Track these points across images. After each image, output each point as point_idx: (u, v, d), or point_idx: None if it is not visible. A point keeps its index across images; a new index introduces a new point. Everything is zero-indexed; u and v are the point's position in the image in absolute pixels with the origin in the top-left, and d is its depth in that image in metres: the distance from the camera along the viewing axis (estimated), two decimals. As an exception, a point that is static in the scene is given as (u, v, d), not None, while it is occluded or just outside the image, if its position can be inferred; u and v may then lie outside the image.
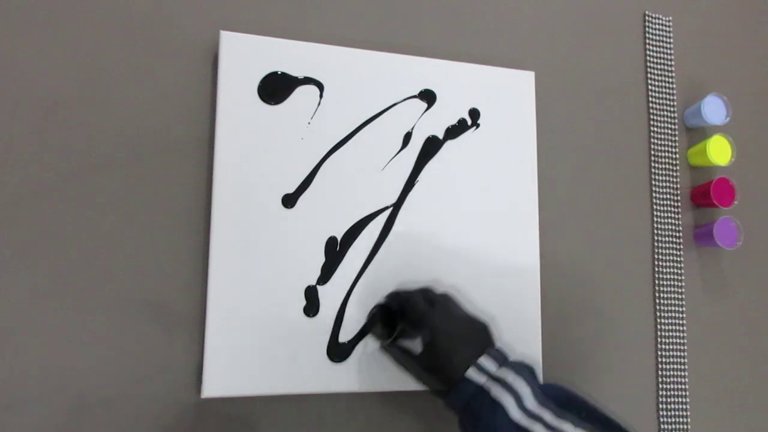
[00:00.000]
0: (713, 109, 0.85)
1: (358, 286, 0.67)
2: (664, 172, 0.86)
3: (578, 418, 0.51)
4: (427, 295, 0.60)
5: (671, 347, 0.82)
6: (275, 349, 0.63)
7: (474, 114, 0.75)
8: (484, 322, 0.59)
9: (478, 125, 0.75)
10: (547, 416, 0.51)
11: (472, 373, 0.54)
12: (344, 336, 0.66)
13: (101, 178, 0.64)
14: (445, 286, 0.65)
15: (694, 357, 0.83)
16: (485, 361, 0.55)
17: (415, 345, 0.56)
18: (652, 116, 0.88)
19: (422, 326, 0.57)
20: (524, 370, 0.55)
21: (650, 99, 0.88)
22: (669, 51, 0.90)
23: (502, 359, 0.56)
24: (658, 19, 0.91)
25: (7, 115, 0.62)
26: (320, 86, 0.69)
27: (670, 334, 0.82)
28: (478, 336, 0.58)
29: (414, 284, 0.63)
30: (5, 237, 0.60)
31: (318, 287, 0.66)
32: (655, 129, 0.87)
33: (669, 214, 0.86)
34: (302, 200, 0.67)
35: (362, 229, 0.68)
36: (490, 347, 0.56)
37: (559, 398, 0.54)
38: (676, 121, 0.89)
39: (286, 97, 0.68)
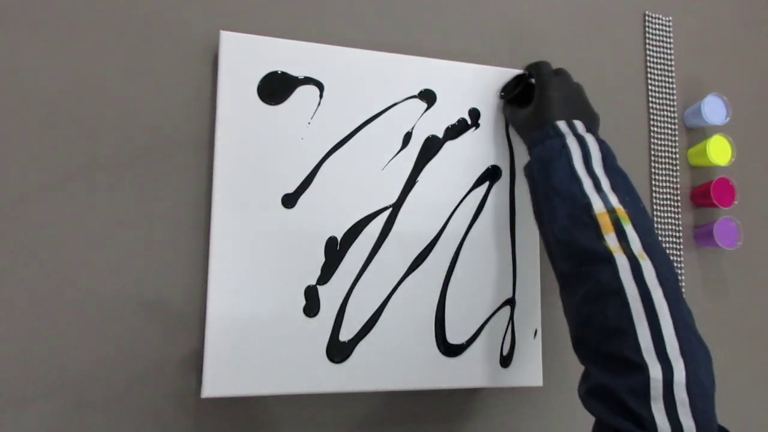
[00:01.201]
0: (713, 109, 0.85)
1: (358, 286, 0.67)
2: (664, 172, 0.86)
3: (626, 200, 0.55)
4: (561, 71, 0.68)
5: (671, 347, 0.82)
6: (275, 349, 0.63)
7: (474, 114, 0.75)
8: (597, 114, 0.67)
9: (478, 125, 0.75)
10: (604, 182, 0.56)
11: (560, 124, 0.61)
12: (344, 336, 0.66)
13: (101, 178, 0.64)
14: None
15: (694, 357, 0.83)
16: (578, 123, 0.61)
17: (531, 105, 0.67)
18: (652, 116, 0.88)
19: (542, 85, 0.66)
20: (607, 145, 0.60)
21: (650, 99, 0.88)
22: (669, 51, 0.90)
23: (592, 131, 0.61)
24: (658, 19, 0.91)
25: (7, 115, 0.62)
26: (320, 86, 0.69)
27: (670, 334, 0.82)
28: (584, 109, 0.65)
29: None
30: (5, 237, 0.60)
31: (318, 287, 0.66)
32: (655, 129, 0.87)
33: (669, 214, 0.86)
34: (302, 200, 0.67)
35: (362, 229, 0.68)
36: (588, 122, 0.63)
37: (625, 181, 0.58)
38: (676, 121, 0.89)
39: (286, 97, 0.68)
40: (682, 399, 0.44)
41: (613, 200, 0.54)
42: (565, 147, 0.59)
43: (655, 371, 0.44)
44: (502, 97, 0.75)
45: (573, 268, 0.54)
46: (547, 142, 0.60)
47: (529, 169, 0.63)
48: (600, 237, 0.52)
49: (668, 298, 0.48)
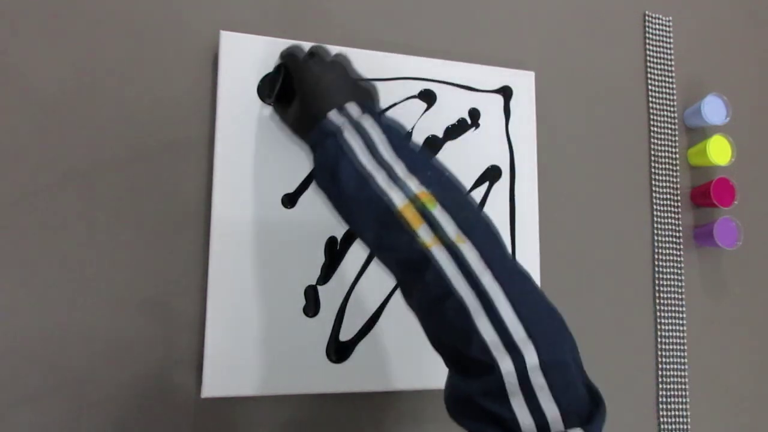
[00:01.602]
0: (713, 109, 0.85)
1: (358, 286, 0.67)
2: (664, 172, 0.86)
3: (428, 177, 0.48)
4: (320, 49, 0.60)
5: (671, 347, 0.82)
6: (275, 349, 0.63)
7: (474, 114, 0.75)
8: (370, 86, 0.59)
9: (478, 125, 0.75)
10: (398, 167, 0.48)
11: (332, 115, 0.52)
12: (344, 336, 0.66)
13: (101, 177, 0.64)
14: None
15: (694, 357, 0.83)
16: (351, 106, 0.53)
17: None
18: (652, 116, 0.88)
19: (298, 74, 0.58)
20: (390, 121, 0.52)
21: (650, 99, 0.88)
22: (669, 51, 0.90)
23: (370, 108, 0.53)
24: (658, 19, 0.91)
25: (7, 115, 0.62)
26: (320, 86, 0.69)
27: (670, 334, 0.82)
28: (353, 86, 0.56)
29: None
30: (5, 237, 0.60)
31: (318, 287, 0.66)
32: (655, 129, 0.87)
33: (669, 214, 0.86)
34: (302, 200, 0.67)
35: (362, 229, 0.68)
36: (362, 101, 0.54)
37: (422, 156, 0.51)
38: (676, 121, 0.89)
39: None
40: (539, 384, 0.40)
41: (413, 185, 0.47)
42: (344, 143, 0.50)
43: (506, 364, 0.40)
44: (266, 100, 0.64)
45: (403, 277, 0.49)
46: (326, 142, 0.51)
47: (317, 180, 0.54)
48: (412, 236, 0.45)
49: (498, 277, 0.44)
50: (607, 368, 0.79)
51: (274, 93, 0.62)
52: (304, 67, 0.57)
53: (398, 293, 0.68)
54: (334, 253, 0.67)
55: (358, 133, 0.50)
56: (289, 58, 0.60)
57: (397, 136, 0.51)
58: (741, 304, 0.88)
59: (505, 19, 0.83)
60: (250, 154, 0.66)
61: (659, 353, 0.82)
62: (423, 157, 0.51)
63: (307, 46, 0.62)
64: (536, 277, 0.74)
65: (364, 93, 0.57)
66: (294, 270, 0.65)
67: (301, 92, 0.57)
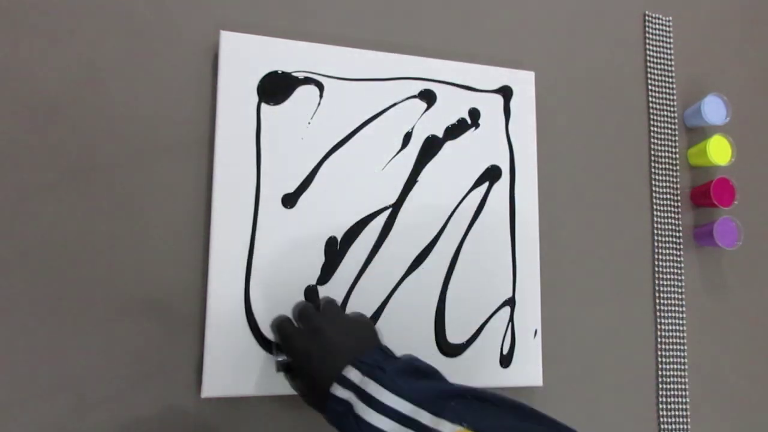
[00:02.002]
0: (713, 109, 0.85)
1: (358, 286, 0.67)
2: (664, 172, 0.86)
3: (454, 411, 0.45)
4: (303, 313, 0.58)
5: (671, 347, 0.82)
6: (275, 348, 0.63)
7: (474, 114, 0.75)
8: (365, 326, 0.57)
9: (478, 125, 0.75)
10: (424, 418, 0.46)
11: (336, 390, 0.50)
12: (344, 336, 0.66)
13: (101, 178, 0.64)
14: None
15: (694, 357, 0.83)
16: (351, 373, 0.50)
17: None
18: (652, 116, 0.88)
19: (289, 351, 0.57)
20: (395, 367, 0.49)
21: (650, 99, 0.88)
22: (669, 51, 0.90)
23: (369, 365, 0.50)
24: (658, 19, 0.91)
25: (7, 115, 0.62)
26: (320, 86, 0.69)
27: (670, 334, 0.82)
28: (349, 346, 0.54)
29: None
30: (5, 237, 0.60)
31: (318, 287, 0.66)
32: (655, 129, 0.87)
33: (669, 214, 0.86)
34: (302, 200, 0.67)
35: (362, 229, 0.68)
36: (356, 355, 0.52)
37: (445, 388, 0.49)
38: (676, 121, 0.89)
39: (286, 97, 0.68)
40: None
41: (446, 429, 0.44)
42: (361, 422, 0.47)
43: None
44: (278, 369, 0.60)
45: None
46: (344, 424, 0.49)
47: None
48: None
49: None
50: (607, 368, 0.79)
51: (278, 369, 0.59)
52: (292, 342, 0.57)
53: (398, 293, 0.68)
54: (334, 253, 0.67)
55: (369, 405, 0.48)
56: (276, 333, 0.60)
57: (408, 384, 0.48)
58: (741, 304, 0.88)
59: (505, 19, 0.83)
60: (250, 154, 0.66)
61: (659, 353, 0.82)
62: (441, 388, 0.49)
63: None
64: (536, 278, 0.74)
65: (361, 341, 0.55)
66: (294, 270, 0.65)
67: (298, 369, 0.55)
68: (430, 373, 0.51)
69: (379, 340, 0.57)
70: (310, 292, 0.66)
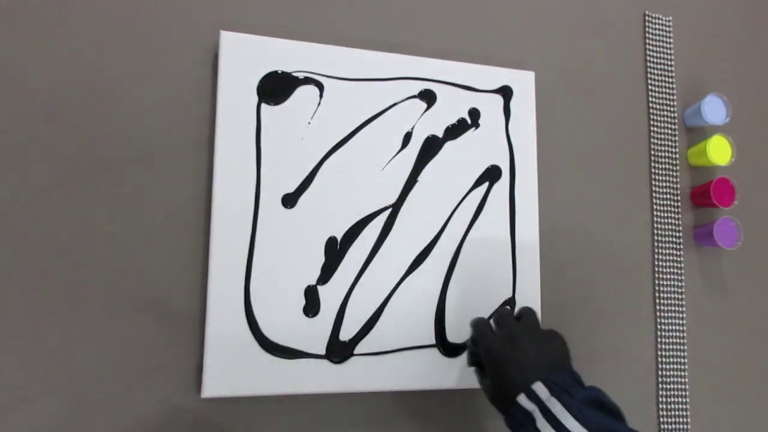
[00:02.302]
0: (713, 109, 0.85)
1: (358, 286, 0.67)
2: (664, 172, 0.86)
3: None
4: (502, 319, 0.60)
5: (671, 347, 0.82)
6: (275, 349, 0.63)
7: (474, 114, 0.75)
8: (558, 344, 0.59)
9: (478, 125, 0.75)
10: None
11: (522, 400, 0.53)
12: (344, 336, 0.66)
13: (101, 178, 0.64)
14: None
15: (694, 357, 0.83)
16: (539, 388, 0.53)
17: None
18: (652, 116, 0.88)
19: (485, 354, 0.58)
20: (582, 395, 0.52)
21: (650, 99, 0.88)
22: (669, 51, 0.90)
23: (558, 386, 0.52)
24: (658, 19, 0.91)
25: (7, 115, 0.62)
26: (320, 86, 0.70)
27: (670, 334, 0.82)
28: (541, 362, 0.56)
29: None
30: (5, 237, 0.60)
31: (318, 287, 0.66)
32: (655, 129, 0.87)
33: (669, 214, 0.86)
34: (302, 200, 0.67)
35: (362, 229, 0.68)
36: (547, 373, 0.54)
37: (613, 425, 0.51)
38: (676, 121, 0.89)
39: (286, 97, 0.68)
40: None
41: None
42: None
43: None
44: (470, 363, 0.64)
45: None
46: (522, 429, 0.52)
47: None
48: None
49: None
50: (607, 368, 0.79)
51: (470, 363, 0.63)
52: (488, 344, 0.58)
53: (399, 293, 0.68)
54: (334, 253, 0.67)
55: (550, 424, 0.50)
56: (475, 332, 0.61)
57: (592, 416, 0.50)
58: (741, 304, 0.88)
59: (505, 19, 0.83)
60: (250, 154, 0.66)
61: (659, 353, 0.81)
62: (617, 426, 0.51)
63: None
64: (536, 278, 0.74)
65: (553, 360, 0.57)
66: (294, 270, 0.66)
67: (490, 371, 0.58)
68: (615, 412, 0.52)
69: (571, 365, 0.58)
70: (311, 291, 0.66)
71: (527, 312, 0.62)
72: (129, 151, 0.65)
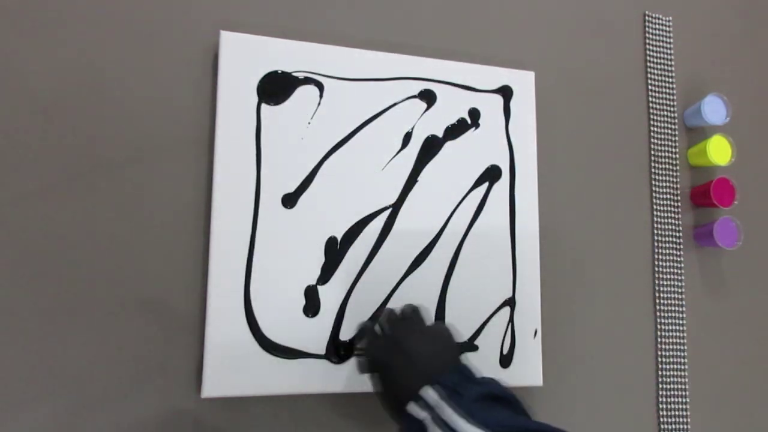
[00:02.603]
0: (713, 109, 0.85)
1: (358, 286, 0.67)
2: (664, 172, 0.86)
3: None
4: (386, 322, 0.58)
5: (671, 347, 0.82)
6: (275, 348, 0.63)
7: (474, 114, 0.75)
8: (443, 342, 0.56)
9: (478, 125, 0.75)
10: None
11: (412, 408, 0.50)
12: (344, 336, 0.66)
13: (101, 178, 0.64)
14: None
15: (694, 357, 0.83)
16: (428, 394, 0.49)
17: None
18: (652, 116, 0.88)
19: (370, 361, 0.56)
20: (473, 391, 0.49)
21: (650, 99, 0.88)
22: (669, 51, 0.90)
23: (448, 387, 0.49)
24: (658, 19, 0.91)
25: (7, 115, 0.62)
26: (320, 86, 0.69)
27: (670, 334, 0.82)
28: (428, 362, 0.53)
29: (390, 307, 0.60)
30: (5, 237, 0.60)
31: (318, 287, 0.66)
32: (655, 129, 0.87)
33: (669, 214, 0.86)
34: (302, 200, 0.67)
35: (362, 229, 0.68)
36: (437, 375, 0.51)
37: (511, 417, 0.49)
38: (676, 121, 0.89)
39: (286, 97, 0.68)
40: None
41: None
42: None
43: None
44: (361, 371, 0.60)
45: None
46: None
47: None
48: None
49: None
50: (607, 368, 0.79)
51: (361, 371, 0.59)
52: (372, 352, 0.57)
53: (399, 293, 0.68)
54: (334, 253, 0.67)
55: (442, 426, 0.47)
56: (359, 338, 0.59)
57: (485, 413, 0.47)
58: (741, 304, 0.88)
59: (505, 19, 0.83)
60: (250, 154, 0.66)
61: (659, 353, 0.81)
62: (518, 424, 0.48)
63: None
64: (536, 277, 0.74)
65: (442, 358, 0.54)
66: (294, 270, 0.65)
67: (378, 379, 0.55)
68: (509, 401, 0.50)
69: (460, 358, 0.55)
70: (311, 291, 0.66)
71: (411, 310, 0.59)
72: (129, 151, 0.65)
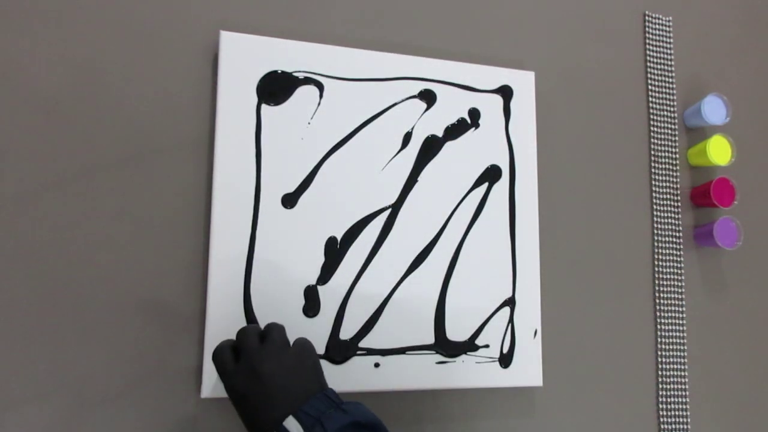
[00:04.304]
0: (713, 109, 0.85)
1: (358, 286, 0.67)
2: (664, 172, 0.86)
3: None
4: (242, 345, 0.52)
5: (671, 347, 0.82)
6: (275, 349, 0.63)
7: (474, 114, 0.75)
8: (306, 368, 0.53)
9: (478, 125, 0.75)
10: None
11: None
12: (344, 336, 0.66)
13: (101, 178, 0.64)
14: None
15: (694, 357, 0.83)
16: (289, 424, 0.48)
17: None
18: (652, 116, 0.88)
19: (227, 391, 0.52)
20: (331, 430, 0.47)
21: (650, 99, 0.88)
22: (669, 51, 0.90)
23: (312, 417, 0.48)
24: (658, 19, 0.91)
25: (7, 115, 0.62)
26: (320, 86, 0.70)
27: (670, 334, 0.82)
28: (286, 391, 0.50)
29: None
30: (5, 237, 0.60)
31: (318, 287, 0.66)
32: (655, 129, 0.87)
33: (669, 214, 0.86)
34: (302, 200, 0.67)
35: (362, 229, 0.68)
36: (300, 403, 0.49)
37: None
38: (676, 121, 0.89)
39: (286, 97, 0.68)
40: None
41: None
42: None
43: None
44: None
45: None
46: None
47: None
48: None
49: None
50: (607, 368, 0.79)
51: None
52: (228, 382, 0.52)
53: (399, 293, 0.68)
54: (334, 253, 0.67)
55: None
56: (216, 365, 0.53)
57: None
58: (741, 304, 0.88)
59: (505, 19, 0.83)
60: (250, 154, 0.66)
61: (659, 353, 0.82)
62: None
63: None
64: (535, 277, 0.74)
65: (304, 385, 0.51)
66: (294, 270, 0.66)
67: (237, 412, 0.52)
68: (374, 428, 0.49)
69: (324, 383, 0.53)
70: (311, 291, 0.66)
71: (271, 329, 0.54)
72: (129, 151, 0.65)
